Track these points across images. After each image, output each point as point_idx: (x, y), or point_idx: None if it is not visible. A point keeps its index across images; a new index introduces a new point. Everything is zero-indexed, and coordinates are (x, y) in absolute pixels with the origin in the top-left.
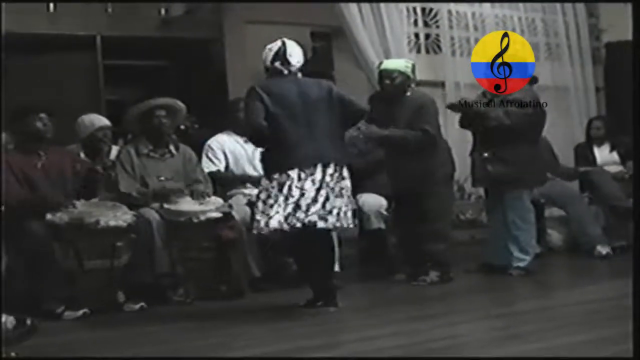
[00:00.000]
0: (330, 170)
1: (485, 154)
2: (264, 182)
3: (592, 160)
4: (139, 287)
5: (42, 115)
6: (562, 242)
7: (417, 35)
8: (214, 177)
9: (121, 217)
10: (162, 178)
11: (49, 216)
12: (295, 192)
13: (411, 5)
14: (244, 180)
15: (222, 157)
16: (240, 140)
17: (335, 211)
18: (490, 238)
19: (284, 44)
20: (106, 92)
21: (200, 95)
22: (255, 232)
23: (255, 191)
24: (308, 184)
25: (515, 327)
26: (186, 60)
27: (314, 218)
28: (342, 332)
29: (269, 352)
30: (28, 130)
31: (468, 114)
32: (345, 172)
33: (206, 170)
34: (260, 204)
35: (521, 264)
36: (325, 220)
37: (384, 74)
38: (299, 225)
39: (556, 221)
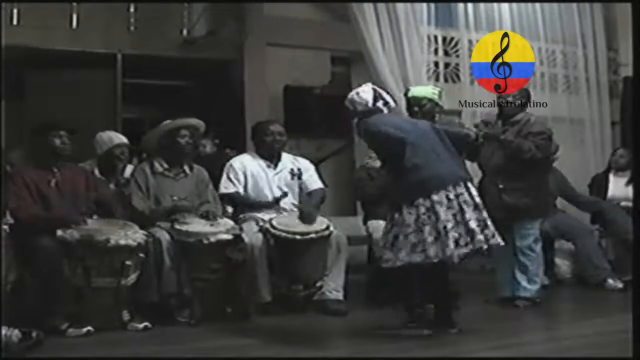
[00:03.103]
0: None
1: (501, 185)
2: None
3: (605, 191)
4: (145, 307)
5: (62, 132)
6: (570, 274)
7: (436, 64)
8: (231, 199)
9: (132, 236)
10: (175, 198)
11: (59, 232)
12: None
13: (432, 33)
14: (261, 205)
15: (242, 178)
16: (263, 163)
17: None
18: (497, 268)
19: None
20: (124, 110)
21: (217, 116)
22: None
23: (267, 216)
24: None
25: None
26: (205, 81)
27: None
28: None
29: None
30: (46, 147)
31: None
32: None
33: (224, 190)
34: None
35: (527, 294)
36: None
37: (413, 101)
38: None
39: (565, 253)
